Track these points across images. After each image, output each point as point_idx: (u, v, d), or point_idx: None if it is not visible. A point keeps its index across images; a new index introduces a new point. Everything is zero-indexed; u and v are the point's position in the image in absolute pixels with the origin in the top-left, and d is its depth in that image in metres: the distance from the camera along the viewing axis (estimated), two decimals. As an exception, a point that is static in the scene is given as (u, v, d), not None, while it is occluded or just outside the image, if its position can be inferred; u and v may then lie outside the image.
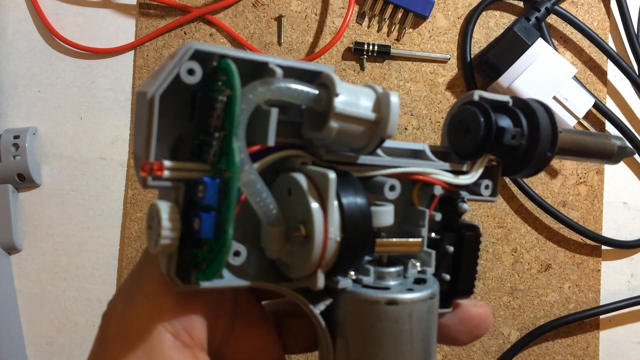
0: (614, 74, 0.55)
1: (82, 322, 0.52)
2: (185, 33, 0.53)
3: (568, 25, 0.54)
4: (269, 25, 0.53)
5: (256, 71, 0.21)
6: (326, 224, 0.20)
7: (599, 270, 0.54)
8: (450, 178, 0.25)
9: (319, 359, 0.25)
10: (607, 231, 0.54)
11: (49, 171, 0.53)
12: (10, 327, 0.51)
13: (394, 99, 0.22)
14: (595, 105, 0.53)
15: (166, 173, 0.20)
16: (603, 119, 0.54)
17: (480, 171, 0.26)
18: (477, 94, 0.26)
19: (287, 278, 0.23)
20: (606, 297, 0.54)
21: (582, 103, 0.51)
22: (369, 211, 0.22)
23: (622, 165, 0.55)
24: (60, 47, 0.53)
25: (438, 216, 0.25)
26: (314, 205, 0.20)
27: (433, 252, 0.25)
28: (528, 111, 0.25)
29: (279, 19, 0.53)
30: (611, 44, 0.55)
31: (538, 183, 0.54)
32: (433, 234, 0.25)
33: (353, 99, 0.21)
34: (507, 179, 0.53)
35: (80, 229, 0.53)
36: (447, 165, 0.26)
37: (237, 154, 0.19)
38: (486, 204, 0.54)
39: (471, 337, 0.26)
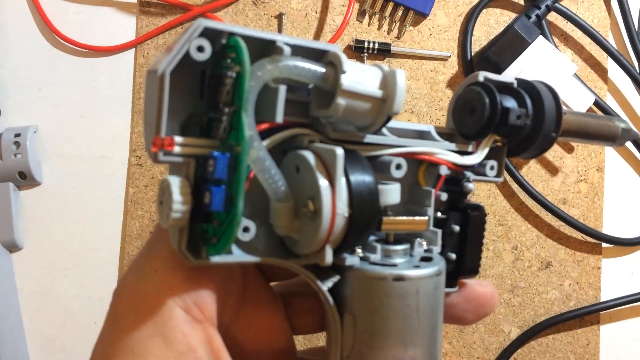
0: (614, 71, 0.55)
1: (84, 320, 0.52)
2: (185, 31, 0.53)
3: (568, 23, 0.54)
4: (269, 23, 0.53)
5: (264, 50, 0.21)
6: (334, 200, 0.21)
7: (599, 268, 0.54)
8: (455, 158, 0.26)
9: (327, 336, 0.25)
10: (608, 229, 0.54)
11: (50, 169, 0.53)
12: (11, 325, 0.51)
13: (400, 76, 0.22)
14: (596, 103, 0.53)
15: (177, 148, 0.20)
16: (603, 116, 0.54)
17: (485, 151, 0.26)
18: (482, 75, 0.26)
19: (296, 255, 0.23)
20: (606, 294, 0.54)
21: (582, 100, 0.51)
22: (376, 188, 0.22)
23: (622, 162, 0.55)
24: (60, 45, 0.53)
25: (444, 196, 0.26)
26: (322, 181, 0.21)
27: (439, 231, 0.25)
28: (533, 92, 0.26)
29: (279, 17, 0.53)
30: (612, 41, 0.55)
31: (538, 180, 0.54)
32: (439, 214, 0.26)
33: (360, 76, 0.22)
34: (507, 176, 0.53)
35: (81, 227, 0.53)
36: (452, 146, 0.26)
37: (247, 128, 0.20)
38: (486, 201, 0.54)
39: (477, 316, 0.27)
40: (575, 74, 0.53)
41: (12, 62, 0.53)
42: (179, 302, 0.21)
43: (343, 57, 0.21)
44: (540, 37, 0.51)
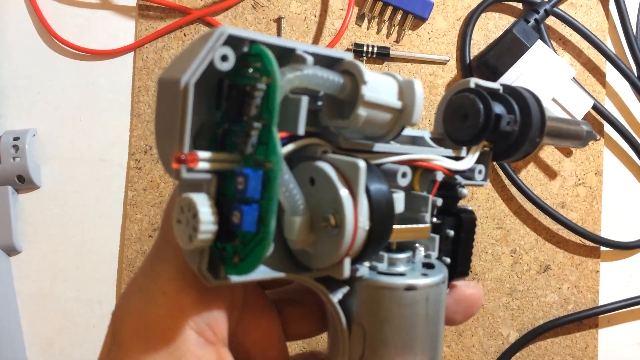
0: (612, 75, 0.55)
1: (82, 323, 0.52)
2: (185, 35, 0.53)
3: (567, 27, 0.54)
4: (268, 27, 0.53)
5: (280, 58, 0.20)
6: (356, 214, 0.20)
7: (597, 271, 0.54)
8: (450, 164, 0.26)
9: (329, 345, 0.25)
10: (606, 232, 0.55)
11: (49, 172, 0.53)
12: (10, 329, 0.51)
13: (418, 86, 0.22)
14: (594, 107, 0.53)
15: (201, 164, 0.19)
16: (602, 120, 0.54)
17: (476, 156, 0.27)
18: (473, 82, 0.27)
19: (306, 268, 0.22)
20: (605, 298, 0.54)
21: (581, 104, 0.51)
22: (392, 199, 0.22)
23: (620, 166, 0.55)
24: (59, 48, 0.53)
25: (439, 201, 0.26)
26: (345, 194, 0.20)
27: (437, 237, 0.26)
28: (519, 98, 0.27)
29: (278, 21, 0.53)
30: (610, 45, 0.55)
31: (537, 184, 0.54)
32: (434, 219, 0.26)
33: (378, 86, 0.22)
34: (506, 180, 0.53)
35: (80, 230, 0.53)
36: (449, 152, 0.26)
37: (279, 144, 0.19)
38: (485, 205, 0.54)
39: (465, 316, 0.27)
40: (573, 77, 0.53)
41: (10, 64, 0.53)
42: (192, 325, 0.20)
43: (363, 67, 0.21)
44: (539, 41, 0.51)
